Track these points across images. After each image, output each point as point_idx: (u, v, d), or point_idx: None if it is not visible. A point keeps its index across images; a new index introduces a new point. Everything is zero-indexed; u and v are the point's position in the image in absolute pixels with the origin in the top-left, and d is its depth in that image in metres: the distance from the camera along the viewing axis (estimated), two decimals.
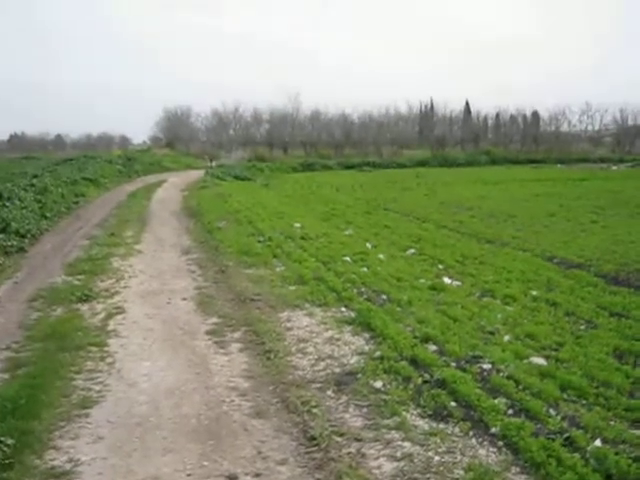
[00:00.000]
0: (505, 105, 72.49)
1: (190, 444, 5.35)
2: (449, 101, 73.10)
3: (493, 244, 15.57)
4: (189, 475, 4.85)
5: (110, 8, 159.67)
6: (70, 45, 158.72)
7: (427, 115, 73.32)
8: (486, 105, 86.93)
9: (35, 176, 28.88)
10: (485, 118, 74.25)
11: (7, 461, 4.96)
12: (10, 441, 5.19)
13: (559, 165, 53.08)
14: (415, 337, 7.72)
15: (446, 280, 11.25)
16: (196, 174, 40.99)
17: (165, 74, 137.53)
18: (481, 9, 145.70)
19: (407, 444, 5.18)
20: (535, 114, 70.71)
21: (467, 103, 73.06)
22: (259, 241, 15.03)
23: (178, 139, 72.25)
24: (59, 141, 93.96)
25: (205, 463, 5.01)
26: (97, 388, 6.64)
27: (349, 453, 5.05)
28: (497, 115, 72.82)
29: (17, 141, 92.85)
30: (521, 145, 68.13)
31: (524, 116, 71.87)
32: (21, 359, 7.54)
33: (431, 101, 72.79)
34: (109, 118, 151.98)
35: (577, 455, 4.77)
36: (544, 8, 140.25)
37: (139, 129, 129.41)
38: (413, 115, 74.47)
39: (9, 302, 10.47)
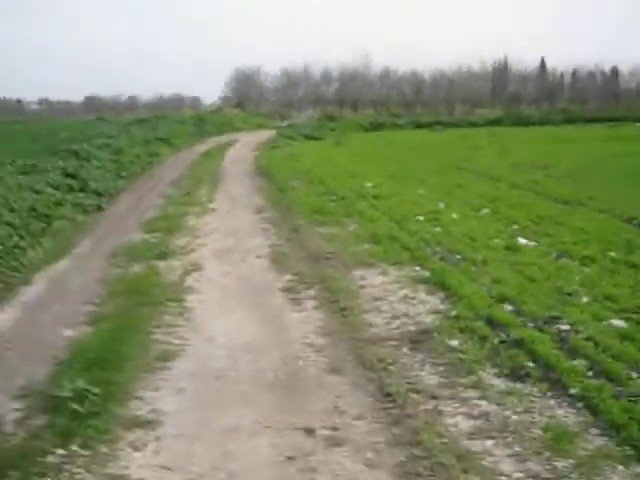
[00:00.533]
0: (583, 61, 70.12)
1: (268, 397, 5.47)
2: (524, 58, 70.93)
3: (570, 204, 15.19)
4: (267, 427, 4.96)
5: None
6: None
7: (501, 72, 71.50)
8: (563, 61, 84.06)
9: (110, 137, 29.56)
10: (561, 75, 72.03)
11: (94, 410, 5.15)
12: (96, 390, 5.38)
13: (638, 124, 51.19)
14: (491, 297, 7.63)
15: (521, 240, 11.04)
16: (267, 134, 41.16)
17: (234, 34, 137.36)
18: None
19: (484, 403, 5.17)
20: (614, 70, 68.17)
21: (542, 59, 70.96)
22: (331, 200, 15.05)
23: (248, 99, 72.64)
24: (132, 102, 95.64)
25: (282, 416, 5.11)
26: (176, 342, 6.82)
27: (426, 410, 5.07)
28: (574, 72, 70.54)
29: (92, 103, 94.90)
30: (599, 103, 65.90)
31: (602, 72, 69.45)
32: (103, 313, 7.79)
33: (505, 58, 70.80)
34: (181, 79, 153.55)
35: None
36: None
37: (210, 89, 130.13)
38: (486, 72, 72.70)
39: (90, 259, 10.81)
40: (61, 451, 4.62)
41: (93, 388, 5.40)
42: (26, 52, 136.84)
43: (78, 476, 4.36)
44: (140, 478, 4.35)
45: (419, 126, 52.24)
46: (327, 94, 71.80)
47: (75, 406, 5.14)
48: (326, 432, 4.85)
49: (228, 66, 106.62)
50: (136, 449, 4.71)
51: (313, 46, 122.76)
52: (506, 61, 70.91)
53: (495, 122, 54.12)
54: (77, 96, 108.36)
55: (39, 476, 4.36)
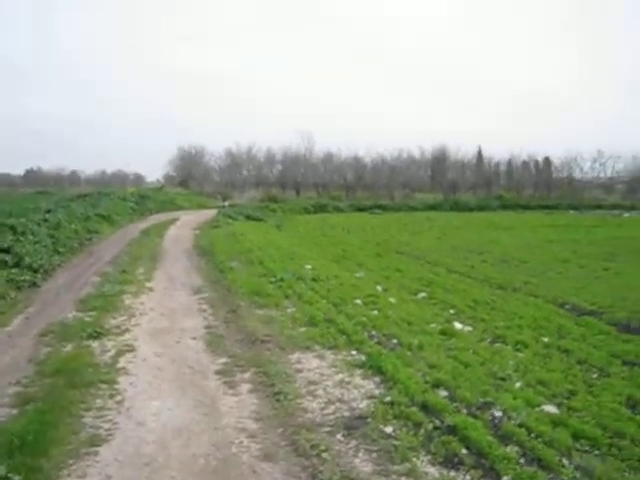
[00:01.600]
0: (517, 151, 72.93)
1: None
2: (461, 147, 73.28)
3: (505, 289, 15.56)
4: None
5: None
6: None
7: (439, 160, 73.62)
8: (498, 151, 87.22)
9: (49, 211, 29.11)
10: (497, 164, 74.72)
11: None
12: (17, 478, 5.16)
13: (572, 211, 53.15)
14: (426, 382, 7.67)
15: (457, 325, 11.20)
16: (209, 213, 41.24)
17: (179, 116, 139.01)
18: (496, 59, 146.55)
19: None
20: (547, 160, 71.01)
21: (479, 149, 73.62)
22: (270, 282, 15.02)
23: (192, 178, 72.87)
24: (74, 177, 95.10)
25: None
26: (106, 426, 6.62)
27: None
28: (509, 161, 73.24)
29: (33, 176, 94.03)
30: (533, 191, 68.47)
31: (536, 162, 72.23)
32: (30, 394, 7.53)
33: (443, 147, 73.15)
34: (123, 156, 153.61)
35: None
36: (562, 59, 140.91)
37: (153, 167, 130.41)
38: (425, 159, 74.84)
39: (20, 337, 10.49)
40: None
41: (14, 476, 5.18)
42: None
43: None
44: None
45: (360, 209, 53.29)
46: (270, 176, 72.53)
47: None
48: None
49: (172, 145, 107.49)
50: None
51: (257, 128, 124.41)
52: (444, 150, 73.23)
53: (434, 207, 55.66)
54: (17, 169, 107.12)
55: None
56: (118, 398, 7.47)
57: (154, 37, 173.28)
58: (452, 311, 12.57)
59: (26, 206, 34.65)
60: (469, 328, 11.10)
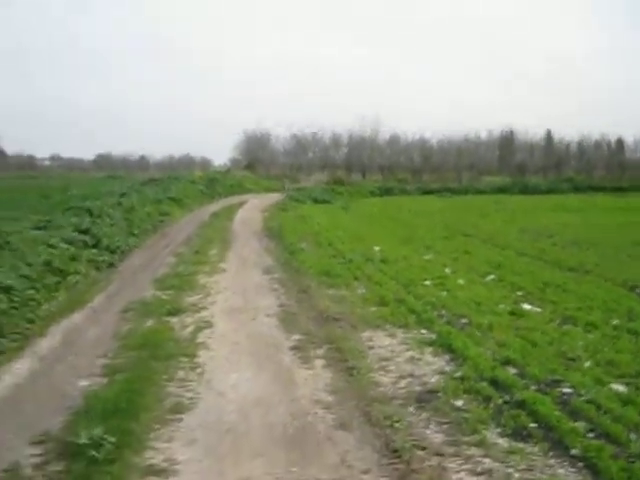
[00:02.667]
0: (588, 131, 71.05)
1: (278, 451, 5.64)
2: (530, 128, 71.92)
3: (575, 272, 15.42)
4: (278, 479, 5.13)
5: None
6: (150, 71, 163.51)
7: (507, 141, 72.39)
8: (569, 132, 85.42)
9: (122, 195, 30.08)
10: (568, 145, 72.92)
11: (110, 457, 5.35)
12: (112, 439, 5.58)
13: None
14: (495, 360, 7.82)
15: (526, 306, 11.23)
16: (275, 196, 41.77)
17: (246, 97, 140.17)
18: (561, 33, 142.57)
19: (487, 460, 5.33)
20: (619, 141, 69.09)
21: (549, 130, 72.00)
22: (339, 263, 15.31)
23: (258, 161, 73.54)
24: (143, 162, 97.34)
25: (293, 469, 5.28)
26: (188, 395, 7.02)
27: (430, 466, 5.24)
28: (580, 142, 71.48)
29: (103, 161, 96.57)
30: (605, 172, 66.54)
31: (608, 143, 70.33)
32: (117, 366, 8.01)
33: (511, 128, 71.89)
34: (190, 140, 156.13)
35: None
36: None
37: (219, 151, 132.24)
38: (493, 141, 73.70)
39: (103, 313, 11.06)
40: None
41: (109, 436, 5.61)
42: (38, 108, 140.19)
43: None
44: None
45: (427, 192, 52.90)
46: (336, 159, 72.66)
47: (92, 453, 5.34)
48: None
49: (239, 128, 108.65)
50: None
51: (323, 110, 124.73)
52: (512, 131, 71.96)
53: (502, 190, 54.66)
54: (88, 154, 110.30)
55: None
56: (199, 370, 7.88)
57: (235, 24, 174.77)
58: (521, 293, 12.58)
59: (100, 189, 35.82)
60: (538, 309, 11.12)
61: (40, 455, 5.59)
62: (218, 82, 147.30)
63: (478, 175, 66.15)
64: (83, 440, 5.53)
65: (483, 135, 72.97)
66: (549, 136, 71.96)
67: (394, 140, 71.97)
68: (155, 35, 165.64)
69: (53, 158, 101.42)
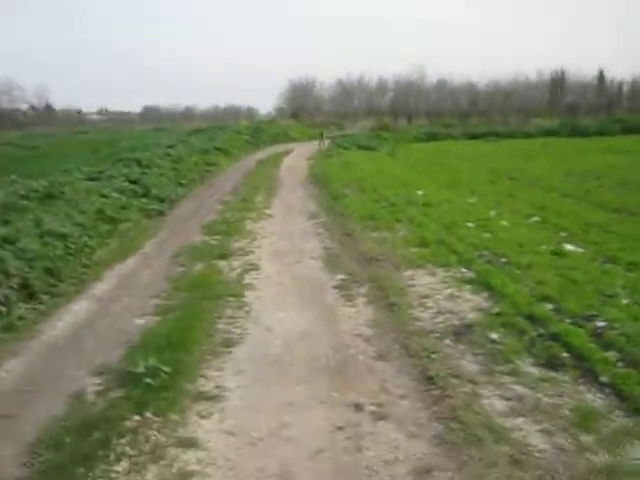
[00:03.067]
0: None
1: (320, 379, 6.01)
2: (581, 68, 70.20)
3: (620, 213, 15.35)
4: (320, 403, 5.50)
5: None
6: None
7: (558, 82, 70.81)
8: (621, 73, 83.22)
9: (169, 146, 30.55)
10: (620, 85, 71.07)
11: (165, 384, 5.79)
12: (166, 369, 6.02)
13: None
14: (533, 296, 8.02)
15: (568, 247, 11.32)
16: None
17: (290, 45, 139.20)
18: None
19: (518, 387, 5.61)
20: None
21: (600, 71, 70.11)
22: (383, 207, 15.52)
23: (303, 109, 73.48)
24: (188, 113, 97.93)
25: (334, 394, 5.64)
26: (237, 331, 7.42)
27: (464, 392, 5.54)
28: (633, 81, 69.57)
29: (149, 113, 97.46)
30: None
31: None
32: (169, 305, 8.46)
33: (562, 68, 70.17)
34: (235, 90, 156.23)
35: None
36: None
37: (264, 100, 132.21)
38: (543, 82, 72.16)
39: (155, 258, 11.52)
40: (137, 417, 5.25)
41: (164, 366, 6.05)
42: (86, 57, 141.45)
43: (152, 437, 4.97)
44: (206, 440, 4.93)
45: (473, 137, 52.25)
46: (382, 105, 72.20)
47: (149, 380, 5.79)
48: (373, 408, 5.37)
49: (283, 76, 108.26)
50: (203, 417, 5.32)
51: (368, 56, 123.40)
52: (563, 71, 70.31)
53: (551, 133, 53.64)
54: (134, 106, 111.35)
55: (118, 436, 4.97)
56: (246, 309, 8.27)
57: None
58: (564, 234, 12.64)
59: (147, 141, 36.37)
60: (581, 250, 11.20)
61: (101, 384, 6.06)
62: (268, 30, 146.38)
63: (527, 118, 64.95)
64: (140, 369, 5.97)
65: (532, 77, 71.60)
66: (601, 76, 70.18)
67: (441, 85, 71.22)
68: None
69: (101, 112, 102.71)
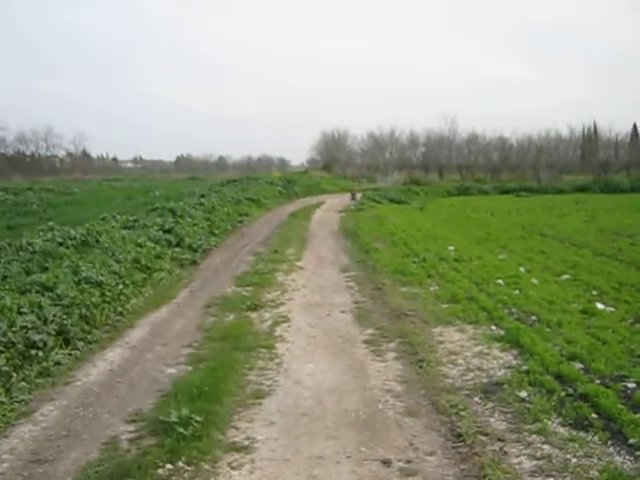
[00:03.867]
0: None
1: (349, 433, 6.08)
2: (614, 124, 70.14)
3: None
4: (349, 457, 5.57)
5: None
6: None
7: (590, 138, 70.83)
8: None
9: (202, 195, 31.09)
10: None
11: (197, 434, 5.92)
12: (199, 418, 6.16)
13: None
14: (562, 355, 8.02)
15: (599, 305, 11.29)
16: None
17: (321, 98, 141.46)
18: None
19: (547, 447, 5.62)
20: None
21: (635, 126, 69.99)
22: (414, 262, 15.61)
23: (335, 161, 74.20)
24: (222, 163, 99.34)
25: (363, 449, 5.72)
26: (267, 383, 7.54)
27: (492, 450, 5.58)
28: None
29: (183, 162, 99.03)
30: None
31: None
32: (202, 355, 8.63)
33: (594, 124, 70.23)
34: (268, 141, 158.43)
35: None
36: None
37: (297, 152, 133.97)
38: (575, 139, 72.28)
39: (187, 308, 11.72)
40: (169, 466, 5.37)
41: (196, 416, 6.19)
42: (119, 116, 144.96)
43: None
44: None
45: (505, 192, 52.39)
46: (413, 158, 72.75)
47: (181, 430, 5.91)
48: (401, 464, 5.43)
49: (314, 128, 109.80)
50: (233, 468, 5.43)
51: (399, 110, 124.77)
52: (595, 127, 70.36)
53: (583, 189, 53.52)
54: (168, 156, 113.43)
55: None
56: (277, 361, 8.40)
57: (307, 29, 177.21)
58: (595, 292, 12.62)
59: (181, 190, 37.01)
60: (611, 309, 11.17)
61: (134, 432, 6.20)
62: (297, 88, 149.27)
63: (559, 174, 64.90)
64: (173, 419, 6.10)
65: (564, 132, 71.69)
66: (635, 131, 70.02)
67: (472, 139, 71.58)
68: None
69: (135, 160, 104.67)
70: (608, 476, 5.02)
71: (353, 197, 39.40)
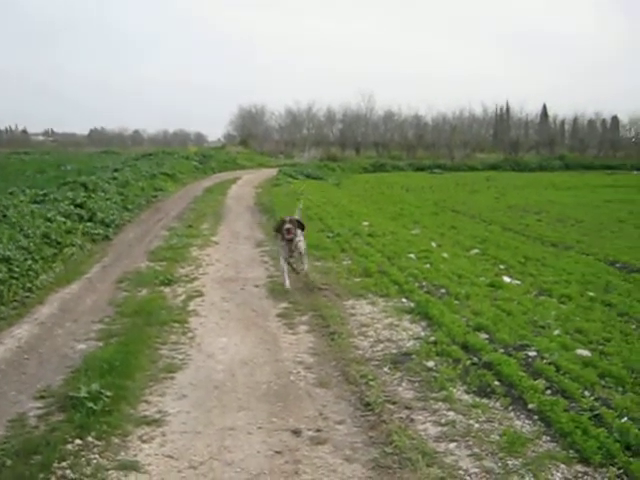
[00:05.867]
0: (583, 109, 71.30)
1: (261, 404, 6.16)
2: (525, 104, 72.05)
3: (557, 247, 15.93)
4: (259, 428, 5.64)
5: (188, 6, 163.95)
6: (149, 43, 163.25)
7: (502, 118, 72.57)
8: (564, 109, 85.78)
9: (116, 170, 30.41)
10: (562, 122, 73.20)
11: (107, 409, 5.88)
12: (109, 393, 6.10)
13: (635, 172, 52.06)
14: (468, 326, 8.31)
15: (506, 279, 11.73)
16: (269, 172, 42.04)
17: (239, 73, 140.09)
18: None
19: (451, 413, 5.84)
20: (615, 119, 69.33)
21: (544, 106, 72.11)
22: (328, 237, 15.75)
23: (252, 137, 73.64)
24: (137, 136, 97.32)
25: (273, 420, 5.80)
26: (180, 357, 7.52)
27: (400, 418, 5.76)
28: (575, 119, 71.71)
29: (97, 136, 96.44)
30: (598, 151, 66.82)
31: (603, 121, 70.61)
32: (113, 330, 8.51)
33: (507, 104, 71.96)
34: (184, 115, 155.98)
35: (602, 429, 5.30)
36: None
37: (214, 127, 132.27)
38: (488, 118, 73.91)
39: (99, 283, 11.52)
40: (78, 441, 5.32)
41: (106, 391, 6.13)
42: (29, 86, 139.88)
43: (94, 461, 5.04)
44: (147, 464, 5.03)
45: (419, 169, 53.42)
46: (330, 135, 72.86)
47: (90, 404, 5.85)
48: (311, 433, 5.54)
49: (232, 103, 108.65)
50: (144, 442, 5.41)
51: (317, 86, 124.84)
52: (508, 107, 72.09)
53: (495, 167, 55.17)
54: (82, 129, 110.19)
55: (59, 460, 5.03)
56: (190, 335, 8.37)
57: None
58: (502, 266, 13.09)
59: (94, 165, 36.10)
60: (517, 282, 11.63)
61: (43, 408, 6.10)
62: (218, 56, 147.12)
63: (472, 152, 66.36)
64: (82, 394, 6.02)
65: (478, 111, 73.19)
66: (544, 112, 72.11)
67: (388, 117, 72.17)
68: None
69: (47, 133, 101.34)
70: (508, 439, 5.26)
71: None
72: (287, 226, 10.69)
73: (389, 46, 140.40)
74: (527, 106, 71.99)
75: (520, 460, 4.99)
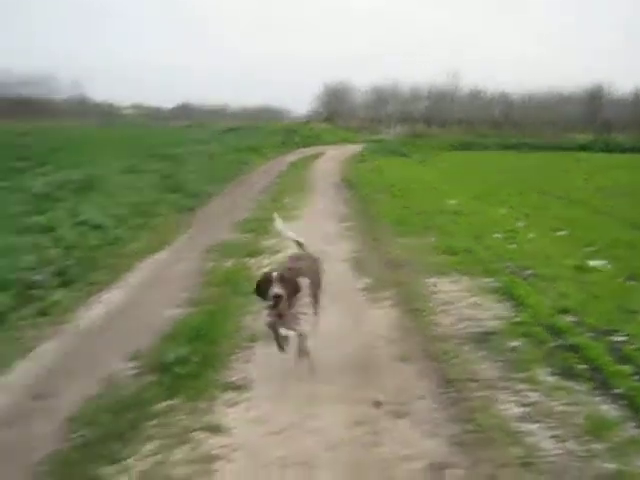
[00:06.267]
0: None
1: (343, 375, 6.24)
2: (618, 84, 69.34)
3: None
4: (341, 398, 5.74)
5: None
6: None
7: (594, 97, 70.17)
8: None
9: (203, 143, 31.02)
10: None
11: (194, 373, 6.08)
12: (196, 359, 6.31)
13: None
14: (554, 308, 8.16)
15: (593, 262, 11.42)
16: (353, 148, 42.01)
17: (326, 49, 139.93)
18: None
19: (534, 394, 5.78)
20: None
21: (638, 86, 69.29)
22: (413, 214, 15.67)
23: (337, 113, 73.59)
24: (222, 111, 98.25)
25: (355, 391, 5.89)
26: (265, 328, 7.65)
27: (481, 396, 5.73)
28: None
29: (181, 110, 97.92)
30: None
31: None
32: (200, 299, 8.75)
33: (600, 83, 69.48)
34: (270, 90, 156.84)
35: None
36: None
37: (299, 102, 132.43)
38: (579, 96, 71.56)
39: (186, 252, 11.84)
40: (167, 402, 5.53)
41: (193, 357, 6.33)
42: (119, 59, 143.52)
43: (180, 422, 5.24)
44: (232, 427, 5.20)
45: (506, 147, 52.13)
46: (415, 112, 72.11)
47: (178, 369, 6.05)
48: (391, 406, 5.59)
49: (318, 80, 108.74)
50: (229, 406, 5.59)
51: (403, 63, 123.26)
52: (601, 86, 69.62)
53: (585, 147, 53.31)
54: (168, 103, 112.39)
55: (148, 419, 5.25)
56: None
57: None
58: (590, 248, 12.73)
59: (181, 138, 36.87)
60: (605, 265, 11.30)
61: (133, 369, 6.36)
62: (300, 36, 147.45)
63: (561, 131, 64.44)
64: (170, 359, 6.25)
65: (569, 90, 70.95)
66: (638, 92, 69.33)
67: (475, 94, 70.89)
68: None
69: (134, 106, 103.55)
70: (592, 422, 5.18)
71: None
72: (275, 291, 5.87)
73: (479, 29, 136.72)
74: (620, 85, 69.04)
75: (604, 444, 4.91)
